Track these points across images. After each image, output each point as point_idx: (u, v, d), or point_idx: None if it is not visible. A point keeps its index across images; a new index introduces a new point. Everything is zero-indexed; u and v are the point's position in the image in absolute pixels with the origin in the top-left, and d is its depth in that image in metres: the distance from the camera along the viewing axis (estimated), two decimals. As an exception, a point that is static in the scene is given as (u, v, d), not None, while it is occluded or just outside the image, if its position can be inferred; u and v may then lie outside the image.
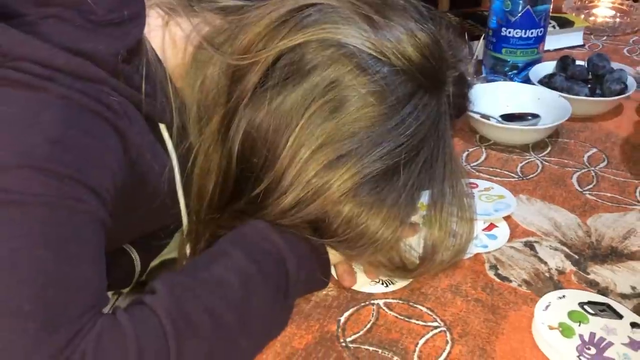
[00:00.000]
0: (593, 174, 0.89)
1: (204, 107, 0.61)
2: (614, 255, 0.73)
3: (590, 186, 0.86)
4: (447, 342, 0.60)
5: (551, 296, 0.64)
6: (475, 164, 0.92)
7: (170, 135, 0.63)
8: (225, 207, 0.62)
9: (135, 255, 0.78)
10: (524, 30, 1.11)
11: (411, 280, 0.68)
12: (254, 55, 0.56)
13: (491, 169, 0.90)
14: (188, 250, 0.68)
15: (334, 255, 0.65)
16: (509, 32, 1.12)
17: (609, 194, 0.84)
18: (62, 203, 0.49)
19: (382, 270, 0.66)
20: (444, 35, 0.61)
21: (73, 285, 0.48)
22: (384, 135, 0.56)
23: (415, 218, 0.67)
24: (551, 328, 0.60)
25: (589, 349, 0.58)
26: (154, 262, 0.83)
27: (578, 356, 0.57)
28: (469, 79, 0.67)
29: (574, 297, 0.64)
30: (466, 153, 0.95)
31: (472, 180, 0.85)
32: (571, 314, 0.61)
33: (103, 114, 0.53)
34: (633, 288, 0.68)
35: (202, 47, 0.61)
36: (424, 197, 0.64)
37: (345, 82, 0.55)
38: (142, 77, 0.58)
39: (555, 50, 1.32)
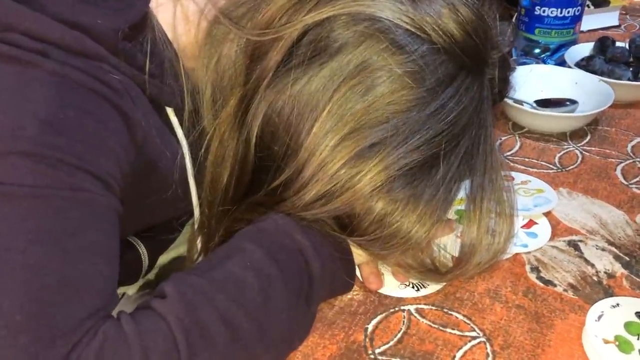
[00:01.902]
0: (639, 165, 0.82)
1: (220, 89, 0.55)
2: (667, 256, 0.66)
3: (637, 179, 0.79)
4: (487, 354, 0.54)
5: (603, 304, 0.57)
6: (509, 153, 0.85)
7: (180, 121, 0.58)
8: (241, 199, 0.56)
9: (142, 249, 0.73)
10: (559, 9, 1.03)
11: (444, 283, 0.61)
12: (276, 31, 0.50)
13: (527, 160, 0.83)
14: (199, 246, 0.62)
15: (358, 255, 0.59)
16: (544, 11, 1.04)
17: (657, 188, 0.77)
18: (56, 193, 0.43)
19: (412, 273, 0.60)
20: (487, 12, 0.54)
21: (72, 288, 0.43)
22: (422, 121, 0.50)
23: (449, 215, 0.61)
24: (606, 342, 0.53)
25: (650, 366, 0.51)
26: (163, 258, 0.77)
27: (638, 375, 0.51)
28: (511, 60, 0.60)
29: (630, 305, 0.57)
30: (498, 142, 0.88)
31: (507, 173, 0.78)
32: (628, 326, 0.55)
33: (102, 93, 0.48)
34: (692, 294, 0.61)
35: (218, 22, 0.54)
36: (461, 192, 0.57)
37: (379, 61, 0.49)
38: (147, 56, 0.52)
39: (589, 31, 1.24)
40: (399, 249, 0.55)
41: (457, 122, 0.51)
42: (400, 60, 0.49)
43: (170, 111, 0.57)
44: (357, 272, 0.61)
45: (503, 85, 0.58)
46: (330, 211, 0.52)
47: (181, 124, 0.58)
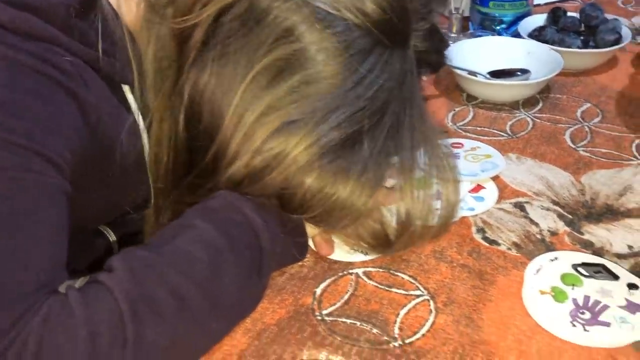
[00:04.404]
0: (587, 129, 0.84)
1: (159, 70, 0.56)
2: (609, 213, 0.68)
3: (584, 142, 0.81)
4: (430, 311, 0.56)
5: (542, 259, 0.59)
6: (461, 123, 0.87)
7: (136, 98, 0.58)
8: (182, 179, 0.57)
9: (112, 237, 0.74)
10: (512, -18, 1.05)
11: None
12: (197, 15, 0.50)
13: (479, 129, 0.85)
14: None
15: (311, 227, 0.60)
16: (497, -16, 1.06)
17: (604, 150, 0.79)
18: (4, 173, 0.44)
19: (363, 246, 0.61)
20: None
21: (20, 262, 0.44)
22: (341, 98, 0.50)
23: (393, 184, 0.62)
24: (542, 293, 0.55)
25: (583, 313, 0.53)
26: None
27: (571, 321, 0.53)
28: (443, 31, 0.60)
29: (567, 258, 0.59)
30: (452, 113, 0.89)
31: (458, 140, 0.80)
32: (564, 277, 0.57)
33: (54, 77, 0.48)
34: (630, 247, 0.63)
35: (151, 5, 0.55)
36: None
37: (293, 39, 0.49)
38: (99, 34, 0.53)
39: (546, 4, 1.26)
40: (342, 222, 0.56)
41: (378, 96, 0.51)
42: (314, 37, 0.49)
43: (127, 89, 0.58)
44: (310, 241, 0.63)
45: (436, 57, 0.58)
46: (264, 189, 0.53)
47: (137, 102, 0.59)
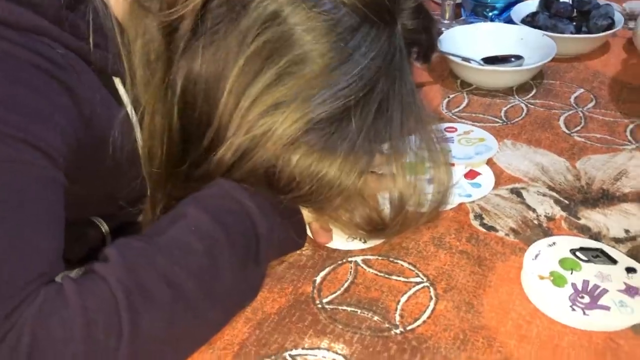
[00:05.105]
0: (581, 115, 0.84)
1: (147, 63, 0.55)
2: (605, 198, 0.69)
3: (578, 128, 0.81)
4: (430, 298, 0.56)
5: (541, 244, 0.60)
6: (456, 110, 0.87)
7: (127, 90, 0.58)
8: (175, 171, 0.57)
9: (105, 228, 0.73)
10: (504, -33, 1.04)
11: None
12: (183, 7, 0.50)
13: (474, 115, 0.85)
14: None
15: (308, 215, 0.60)
16: (488, -30, 1.05)
17: (598, 135, 0.80)
18: (2, 166, 0.44)
19: (359, 232, 0.61)
20: None
21: (15, 254, 0.44)
22: (329, 75, 0.50)
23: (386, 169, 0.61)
24: (541, 278, 0.56)
25: (582, 297, 0.54)
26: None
27: (571, 306, 0.53)
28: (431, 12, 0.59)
29: (565, 243, 0.60)
30: (447, 99, 0.89)
31: (450, 125, 0.80)
32: (563, 262, 0.57)
33: (47, 69, 0.48)
34: (626, 231, 0.64)
35: None
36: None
37: (280, 21, 0.49)
38: (90, 25, 0.52)
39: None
40: (333, 202, 0.56)
41: (366, 74, 0.51)
42: (302, 17, 0.49)
43: (117, 81, 0.57)
44: (308, 231, 0.63)
45: (424, 37, 0.58)
46: (254, 169, 0.53)
47: (128, 94, 0.58)
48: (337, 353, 0.51)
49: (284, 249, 0.60)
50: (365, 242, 0.62)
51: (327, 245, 0.62)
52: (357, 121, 0.53)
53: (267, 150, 0.51)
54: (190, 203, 0.54)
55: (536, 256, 0.58)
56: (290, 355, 0.51)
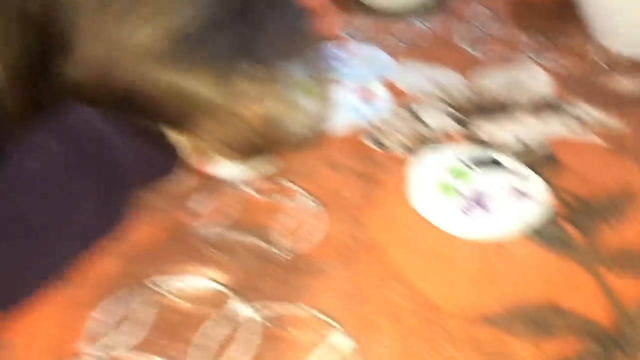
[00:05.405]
0: (478, 30, 0.82)
1: None
2: (500, 110, 0.67)
3: (476, 43, 0.79)
4: (320, 220, 0.53)
5: (428, 155, 0.57)
6: (352, 31, 0.83)
7: None
8: (29, 90, 0.51)
9: None
10: None
11: (278, 160, 0.59)
12: None
13: (369, 35, 0.82)
14: None
15: (179, 138, 0.55)
16: None
17: (495, 49, 0.78)
18: None
19: (234, 154, 0.57)
20: None
21: None
22: None
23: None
24: (430, 189, 0.53)
25: (472, 206, 0.52)
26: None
27: (460, 215, 0.51)
28: None
29: (453, 152, 0.58)
30: (343, 20, 0.85)
31: (344, 44, 0.77)
32: (452, 171, 0.55)
33: None
34: (520, 141, 0.62)
35: None
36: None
37: None
38: None
39: None
40: (202, 124, 0.51)
41: None
42: None
43: None
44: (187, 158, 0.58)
45: None
46: (112, 90, 0.47)
47: None
48: (216, 281, 0.47)
49: (152, 174, 0.55)
50: (251, 168, 0.59)
51: (207, 172, 0.58)
52: (229, 36, 0.48)
53: (125, 66, 0.46)
54: (40, 130, 0.48)
55: (425, 167, 0.56)
56: (156, 283, 0.47)
